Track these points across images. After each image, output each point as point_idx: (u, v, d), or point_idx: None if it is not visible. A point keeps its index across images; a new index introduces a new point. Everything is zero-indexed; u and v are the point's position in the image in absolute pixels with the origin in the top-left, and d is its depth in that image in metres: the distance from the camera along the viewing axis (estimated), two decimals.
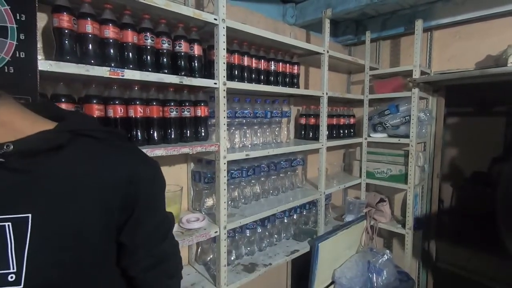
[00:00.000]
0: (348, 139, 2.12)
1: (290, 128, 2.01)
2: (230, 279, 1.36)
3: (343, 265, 1.91)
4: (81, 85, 1.07)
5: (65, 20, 0.90)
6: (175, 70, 1.18)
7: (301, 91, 1.74)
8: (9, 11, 0.77)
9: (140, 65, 1.09)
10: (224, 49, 1.22)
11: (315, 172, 1.94)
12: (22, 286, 0.45)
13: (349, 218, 2.08)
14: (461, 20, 1.88)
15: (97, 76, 0.93)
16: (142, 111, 1.10)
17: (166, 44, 1.14)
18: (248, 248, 1.61)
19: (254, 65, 1.50)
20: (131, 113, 1.08)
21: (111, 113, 1.04)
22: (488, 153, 3.07)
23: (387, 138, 2.14)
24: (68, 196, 0.50)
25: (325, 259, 1.77)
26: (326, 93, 1.78)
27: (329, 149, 1.95)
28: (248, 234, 1.60)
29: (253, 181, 1.60)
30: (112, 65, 1.00)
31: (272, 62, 1.60)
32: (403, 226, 2.09)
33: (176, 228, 1.26)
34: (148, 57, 1.11)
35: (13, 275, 0.45)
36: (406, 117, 2.02)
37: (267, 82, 1.59)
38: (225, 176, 1.26)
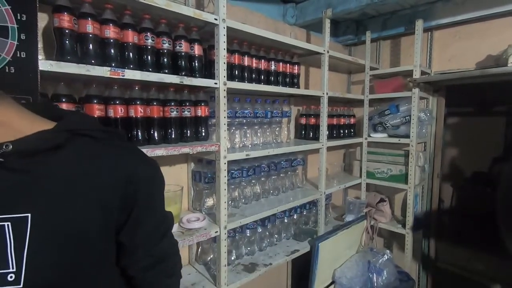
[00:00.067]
0: (348, 139, 2.12)
1: (290, 128, 2.01)
2: (231, 279, 1.36)
3: (343, 265, 1.92)
4: (82, 85, 1.07)
5: (65, 20, 0.90)
6: (175, 70, 1.18)
7: (301, 91, 1.74)
8: (10, 11, 0.77)
9: (141, 65, 1.09)
10: (224, 49, 1.22)
11: (315, 172, 1.94)
12: (21, 285, 0.45)
13: (349, 218, 2.08)
14: (461, 20, 1.88)
15: (97, 76, 0.93)
16: (142, 111, 1.10)
17: (167, 44, 1.15)
18: (249, 248, 1.61)
19: (254, 65, 1.50)
20: (132, 113, 1.08)
21: (111, 113, 1.04)
22: (488, 153, 3.08)
23: (387, 138, 2.14)
24: (68, 196, 0.50)
25: (325, 259, 1.77)
26: (326, 93, 1.78)
27: (329, 149, 1.95)
28: (248, 234, 1.60)
29: (253, 181, 1.60)
30: (113, 65, 1.00)
31: (273, 62, 1.60)
32: (403, 226, 2.09)
33: (176, 228, 1.26)
34: (149, 57, 1.11)
35: (13, 275, 0.45)
36: (407, 117, 2.02)
37: (268, 82, 1.59)
38: (225, 176, 1.27)
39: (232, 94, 1.39)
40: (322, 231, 1.86)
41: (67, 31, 0.90)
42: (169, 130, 1.19)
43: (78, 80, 1.05)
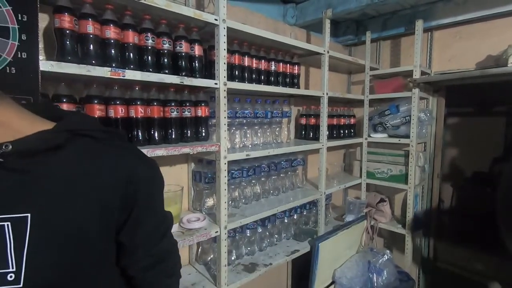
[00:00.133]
0: (349, 139, 2.13)
1: (290, 128, 2.01)
2: (231, 279, 1.36)
3: (344, 265, 1.92)
4: (82, 85, 1.07)
5: (66, 21, 0.90)
6: (175, 71, 1.18)
7: (301, 91, 1.74)
8: (11, 11, 0.77)
9: (141, 66, 1.10)
10: (224, 49, 1.22)
11: (316, 172, 1.94)
12: (21, 285, 0.45)
13: (349, 218, 2.09)
14: (462, 20, 1.88)
15: (98, 77, 0.93)
16: (143, 111, 1.10)
17: (167, 45, 1.15)
18: (249, 248, 1.61)
19: (254, 65, 1.50)
20: (132, 113, 1.08)
21: (112, 113, 1.04)
22: (488, 153, 3.08)
23: (387, 138, 2.14)
24: (67, 196, 0.50)
25: (325, 259, 1.77)
26: (327, 93, 1.78)
27: (330, 149, 1.95)
28: (248, 234, 1.60)
29: (253, 181, 1.60)
30: (113, 65, 1.00)
31: (273, 62, 1.61)
32: (404, 226, 2.09)
33: (176, 228, 1.26)
34: (149, 57, 1.11)
35: (13, 275, 0.45)
36: (407, 117, 2.02)
37: (268, 82, 1.60)
38: (225, 176, 1.27)
39: (232, 94, 1.39)
40: (322, 231, 1.86)
41: (67, 31, 0.91)
42: (170, 130, 1.19)
43: (79, 81, 1.05)
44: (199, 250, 1.52)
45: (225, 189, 1.27)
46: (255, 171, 1.56)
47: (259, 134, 1.62)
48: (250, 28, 1.32)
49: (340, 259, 1.94)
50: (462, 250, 2.72)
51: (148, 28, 1.10)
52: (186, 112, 1.23)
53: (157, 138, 1.15)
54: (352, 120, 2.24)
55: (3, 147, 0.47)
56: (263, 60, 1.56)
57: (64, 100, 0.94)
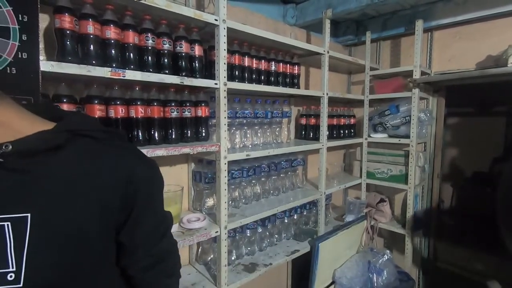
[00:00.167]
0: (349, 139, 2.13)
1: (290, 128, 2.01)
2: (231, 279, 1.36)
3: (344, 265, 1.92)
4: (83, 85, 1.07)
5: (66, 21, 0.90)
6: (176, 71, 1.19)
7: (301, 91, 1.74)
8: (11, 12, 0.77)
9: (141, 66, 1.10)
10: (224, 49, 1.22)
11: (316, 172, 1.95)
12: (21, 285, 0.45)
13: (349, 218, 2.09)
14: (462, 21, 1.88)
15: (98, 77, 0.93)
16: (143, 111, 1.10)
17: (167, 45, 1.15)
18: (249, 248, 1.61)
19: (254, 65, 1.51)
20: (132, 114, 1.08)
21: (112, 114, 1.04)
22: (488, 153, 3.08)
23: (387, 139, 2.14)
24: (67, 196, 0.51)
25: (325, 259, 1.77)
26: (327, 94, 1.78)
27: (330, 149, 1.96)
28: (248, 234, 1.60)
29: (253, 181, 1.60)
30: (114, 65, 1.00)
31: (273, 62, 1.61)
32: (403, 226, 2.09)
33: (176, 228, 1.26)
34: (149, 57, 1.11)
35: (13, 274, 0.45)
36: (407, 118, 2.02)
37: (268, 83, 1.60)
38: (225, 176, 1.27)
39: (232, 94, 1.39)
40: (322, 231, 1.86)
41: (68, 32, 0.91)
42: (170, 131, 1.20)
43: (79, 81, 1.05)
44: (199, 250, 1.52)
45: (225, 189, 1.27)
46: (255, 171, 1.56)
47: (259, 134, 1.62)
48: (250, 28, 1.32)
49: (340, 259, 1.94)
50: (462, 250, 2.72)
51: (149, 28, 1.10)
52: (186, 112, 1.24)
53: (157, 138, 1.15)
54: (352, 120, 2.24)
55: (3, 147, 0.47)
56: (263, 60, 1.56)
57: (65, 100, 0.94)
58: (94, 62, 0.96)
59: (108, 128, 0.61)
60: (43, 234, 0.48)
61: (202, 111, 1.28)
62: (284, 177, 1.80)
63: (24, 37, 0.79)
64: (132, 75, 1.00)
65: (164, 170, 1.39)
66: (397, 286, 1.89)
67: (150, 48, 1.10)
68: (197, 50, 1.23)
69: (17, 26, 0.78)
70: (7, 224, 0.46)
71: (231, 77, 1.38)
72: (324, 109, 1.80)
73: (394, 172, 2.11)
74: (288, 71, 1.69)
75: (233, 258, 1.51)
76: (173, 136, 1.20)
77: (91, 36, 0.95)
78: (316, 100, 1.82)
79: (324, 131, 1.81)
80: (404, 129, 2.05)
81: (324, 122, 1.80)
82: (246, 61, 1.46)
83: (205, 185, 1.41)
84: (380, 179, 2.20)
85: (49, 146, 0.51)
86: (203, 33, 1.27)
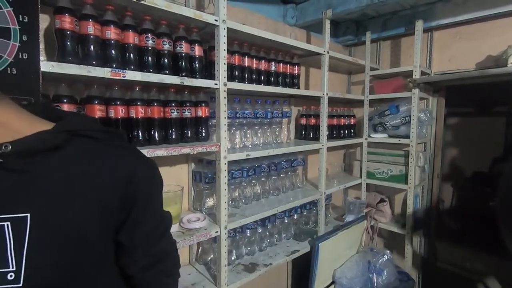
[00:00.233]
0: (349, 140, 2.13)
1: (290, 129, 2.01)
2: (231, 279, 1.36)
3: (344, 265, 1.92)
4: (83, 86, 1.08)
5: (67, 22, 0.90)
6: (176, 71, 1.19)
7: (301, 91, 1.74)
8: (12, 12, 0.77)
9: (141, 66, 1.10)
10: (224, 50, 1.22)
11: (316, 172, 1.95)
12: (21, 284, 0.45)
13: (349, 218, 2.09)
14: (462, 21, 1.88)
15: (98, 77, 0.93)
16: (143, 111, 1.10)
17: (167, 45, 1.15)
18: (249, 248, 1.61)
19: (254, 65, 1.51)
20: (132, 114, 1.09)
21: (112, 114, 1.04)
22: (488, 153, 3.08)
23: (387, 139, 2.14)
24: (67, 196, 0.51)
25: (325, 259, 1.77)
26: (327, 94, 1.79)
27: (330, 149, 1.96)
28: (248, 234, 1.60)
29: (253, 181, 1.60)
30: (114, 66, 1.00)
31: (273, 62, 1.61)
32: (403, 226, 2.09)
33: (176, 228, 1.26)
34: (149, 58, 1.11)
35: (13, 274, 0.45)
36: (407, 118, 2.02)
37: (268, 83, 1.60)
38: (225, 176, 1.27)
39: (232, 94, 1.40)
40: (322, 231, 1.86)
41: (68, 32, 0.91)
42: (170, 131, 1.20)
43: (79, 81, 1.05)
44: (199, 250, 1.52)
45: (225, 189, 1.27)
46: (255, 171, 1.56)
47: (259, 134, 1.62)
48: (250, 28, 1.32)
49: (340, 259, 1.94)
50: (462, 250, 2.72)
51: (149, 28, 1.10)
52: (186, 113, 1.24)
53: (157, 139, 1.15)
54: (352, 120, 2.24)
55: (3, 147, 0.47)
56: (263, 61, 1.56)
57: (65, 100, 0.95)
58: (94, 62, 0.96)
59: (108, 128, 0.61)
60: (42, 234, 0.48)
61: (202, 111, 1.29)
62: (284, 177, 1.80)
63: (24, 38, 0.79)
64: (132, 75, 1.00)
65: (164, 170, 1.40)
66: (397, 286, 1.89)
67: (150, 48, 1.11)
68: (197, 51, 1.24)
69: (17, 27, 0.78)
70: (7, 224, 0.46)
71: (231, 78, 1.38)
72: (324, 109, 1.80)
73: (394, 172, 2.11)
74: (288, 71, 1.69)
75: (233, 258, 1.51)
76: (173, 136, 1.20)
77: (91, 37, 0.95)
78: (316, 100, 1.82)
79: (324, 131, 1.81)
80: (404, 129, 2.05)
81: (324, 122, 1.81)
82: (246, 62, 1.46)
83: (205, 185, 1.42)
84: (380, 179, 2.20)
85: (48, 146, 0.51)
86: (203, 33, 1.27)
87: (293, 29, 2.07)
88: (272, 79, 1.62)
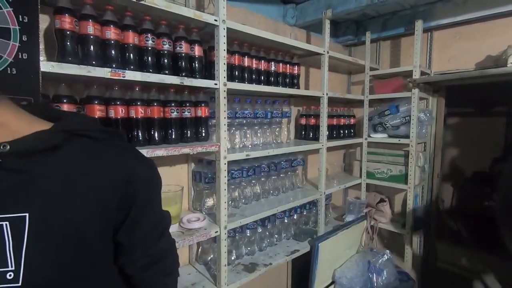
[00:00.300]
0: (348, 140, 2.13)
1: (290, 129, 2.01)
2: (231, 279, 1.36)
3: (344, 265, 1.92)
4: (83, 86, 1.08)
5: (67, 22, 0.90)
6: (175, 71, 1.19)
7: (301, 91, 1.74)
8: (12, 13, 0.77)
9: (141, 66, 1.10)
10: (224, 50, 1.22)
11: (315, 172, 1.95)
12: (20, 284, 0.46)
13: (349, 218, 2.09)
14: (461, 21, 1.88)
15: (98, 77, 0.94)
16: (143, 111, 1.10)
17: (167, 45, 1.15)
18: (249, 248, 1.61)
19: (254, 65, 1.51)
20: (132, 114, 1.09)
21: (112, 114, 1.04)
22: (488, 153, 3.08)
23: (387, 139, 2.14)
24: (66, 196, 0.51)
25: (325, 259, 1.77)
26: (326, 94, 1.79)
27: (329, 149, 1.96)
28: (248, 234, 1.60)
29: (253, 181, 1.60)
30: (113, 66, 1.01)
31: (273, 62, 1.61)
32: (403, 226, 2.09)
33: (176, 228, 1.26)
34: (149, 58, 1.11)
35: (12, 273, 0.46)
36: (406, 118, 2.02)
37: (268, 83, 1.60)
38: (225, 176, 1.27)
39: (232, 94, 1.40)
40: (322, 231, 1.86)
41: (68, 32, 0.91)
42: (170, 131, 1.20)
43: (79, 81, 1.05)
44: (199, 250, 1.52)
45: (225, 189, 1.27)
46: (255, 171, 1.57)
47: (259, 134, 1.62)
48: (250, 28, 1.32)
49: (340, 259, 1.94)
50: (462, 250, 2.72)
51: (148, 29, 1.10)
52: (186, 113, 1.24)
53: (157, 139, 1.15)
54: (352, 120, 2.24)
55: (1, 147, 0.48)
56: (263, 61, 1.56)
57: (65, 100, 0.95)
58: (94, 62, 0.96)
59: (107, 128, 0.62)
60: (41, 233, 0.48)
61: (202, 111, 1.29)
62: (284, 177, 1.80)
63: (24, 38, 0.79)
64: (132, 75, 1.00)
65: (164, 170, 1.40)
66: (397, 286, 1.89)
67: (150, 48, 1.11)
68: (197, 51, 1.24)
69: (17, 27, 0.78)
70: (6, 224, 0.46)
71: (231, 78, 1.38)
72: (324, 109, 1.80)
73: (394, 172, 2.11)
74: (288, 71, 1.69)
75: (233, 258, 1.51)
76: (173, 136, 1.20)
77: (91, 37, 0.95)
78: (316, 100, 1.82)
79: (324, 131, 1.81)
80: (404, 129, 2.05)
81: (324, 122, 1.81)
82: (246, 62, 1.47)
83: (205, 185, 1.42)
84: (380, 179, 2.20)
85: (46, 146, 0.51)
86: (203, 33, 1.28)
87: (293, 29, 2.07)
88: (272, 79, 1.62)
